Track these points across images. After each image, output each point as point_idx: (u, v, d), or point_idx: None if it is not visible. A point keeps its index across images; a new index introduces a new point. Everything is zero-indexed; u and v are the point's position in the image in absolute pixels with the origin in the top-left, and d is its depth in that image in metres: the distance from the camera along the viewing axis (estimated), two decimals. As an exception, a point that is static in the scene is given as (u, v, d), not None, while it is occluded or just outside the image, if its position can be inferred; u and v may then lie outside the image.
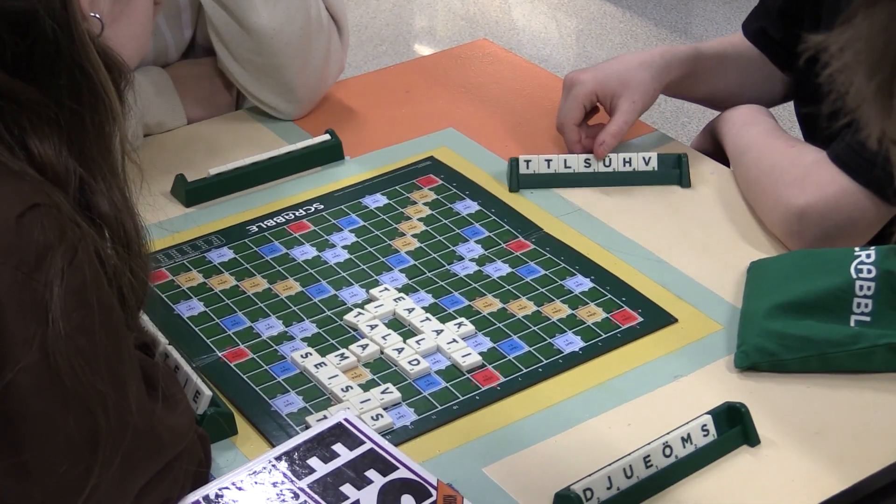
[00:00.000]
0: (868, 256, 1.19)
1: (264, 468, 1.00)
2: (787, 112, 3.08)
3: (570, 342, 1.22)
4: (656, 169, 1.47)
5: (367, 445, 1.02)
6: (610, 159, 1.47)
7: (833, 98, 0.67)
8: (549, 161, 1.46)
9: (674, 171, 1.47)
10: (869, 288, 1.18)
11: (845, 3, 0.69)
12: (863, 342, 1.15)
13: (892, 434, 1.10)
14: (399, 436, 1.11)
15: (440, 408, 1.15)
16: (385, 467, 1.00)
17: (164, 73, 1.60)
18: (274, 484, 0.99)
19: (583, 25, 3.92)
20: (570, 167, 1.46)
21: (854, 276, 1.18)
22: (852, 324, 1.17)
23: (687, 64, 1.53)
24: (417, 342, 1.22)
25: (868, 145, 0.73)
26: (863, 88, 0.66)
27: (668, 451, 1.06)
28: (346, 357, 1.20)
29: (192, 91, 1.62)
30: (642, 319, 1.25)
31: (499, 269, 1.33)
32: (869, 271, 1.18)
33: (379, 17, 3.99)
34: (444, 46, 3.72)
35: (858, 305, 1.18)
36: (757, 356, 1.17)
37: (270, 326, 1.25)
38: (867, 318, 1.17)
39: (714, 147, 1.56)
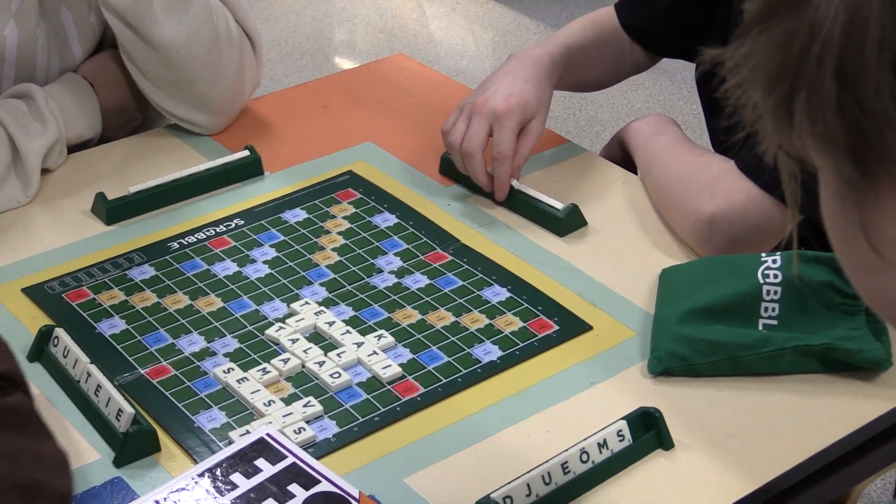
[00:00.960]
0: (774, 262, 1.22)
1: (187, 486, 1.01)
2: (696, 120, 3.13)
3: (488, 352, 1.24)
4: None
5: (290, 460, 1.03)
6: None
7: (729, 112, 0.67)
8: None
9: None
10: (776, 292, 1.21)
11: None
12: (771, 345, 1.18)
13: (800, 434, 1.14)
14: (321, 448, 1.12)
15: (362, 420, 1.16)
16: (307, 481, 1.02)
17: (83, 80, 1.59)
18: (197, 501, 1.00)
19: (498, 38, 3.95)
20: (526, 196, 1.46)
21: (761, 281, 1.21)
22: (760, 328, 1.20)
23: (563, 64, 1.55)
24: (338, 355, 1.23)
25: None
26: (760, 104, 0.65)
27: (584, 456, 1.08)
28: (268, 371, 1.21)
29: (110, 95, 1.61)
30: (558, 328, 1.27)
31: (417, 281, 1.35)
32: (775, 276, 1.21)
33: (299, 32, 4.00)
34: (364, 59, 3.73)
35: (766, 310, 1.21)
36: (670, 361, 1.19)
37: (192, 342, 1.26)
38: (774, 322, 1.20)
39: (623, 156, 1.59)
